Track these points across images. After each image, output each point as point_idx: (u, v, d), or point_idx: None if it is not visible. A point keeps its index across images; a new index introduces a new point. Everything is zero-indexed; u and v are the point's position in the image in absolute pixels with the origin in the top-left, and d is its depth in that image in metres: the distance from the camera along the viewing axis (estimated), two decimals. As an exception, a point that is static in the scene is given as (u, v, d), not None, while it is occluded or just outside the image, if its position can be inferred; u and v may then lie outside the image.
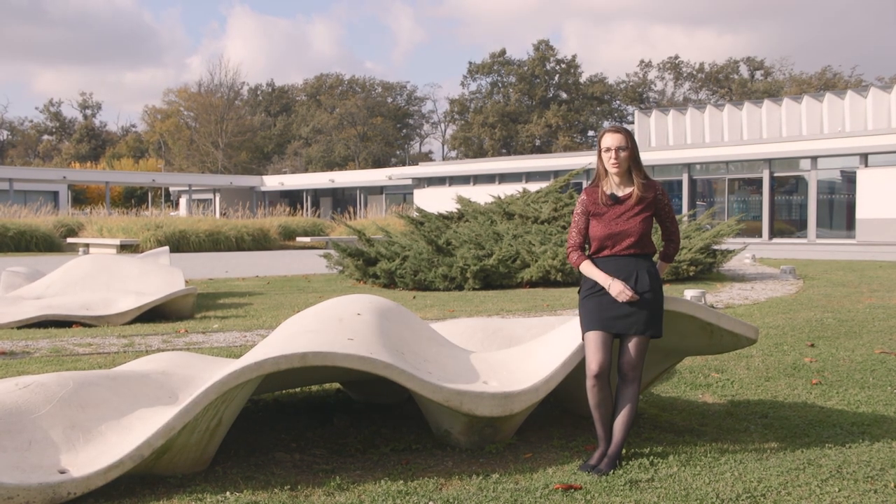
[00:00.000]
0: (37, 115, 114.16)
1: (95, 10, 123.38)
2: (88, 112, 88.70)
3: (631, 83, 76.27)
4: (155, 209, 51.91)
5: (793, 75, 68.35)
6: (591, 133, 74.64)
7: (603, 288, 3.94)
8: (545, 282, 13.55)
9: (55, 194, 50.50)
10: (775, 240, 31.52)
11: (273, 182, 57.91)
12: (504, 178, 40.13)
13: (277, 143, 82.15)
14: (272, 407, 5.15)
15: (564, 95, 75.70)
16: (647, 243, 4.00)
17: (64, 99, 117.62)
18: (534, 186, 19.25)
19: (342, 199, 54.78)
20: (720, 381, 5.87)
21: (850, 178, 30.46)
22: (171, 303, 9.66)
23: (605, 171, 4.06)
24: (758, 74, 72.65)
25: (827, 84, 61.45)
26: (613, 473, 3.73)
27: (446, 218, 16.59)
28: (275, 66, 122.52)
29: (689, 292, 10.34)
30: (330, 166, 72.28)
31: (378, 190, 51.99)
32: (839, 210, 31.25)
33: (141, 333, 8.21)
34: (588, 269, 4.02)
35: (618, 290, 3.87)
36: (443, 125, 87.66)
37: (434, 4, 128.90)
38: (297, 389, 5.55)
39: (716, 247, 15.26)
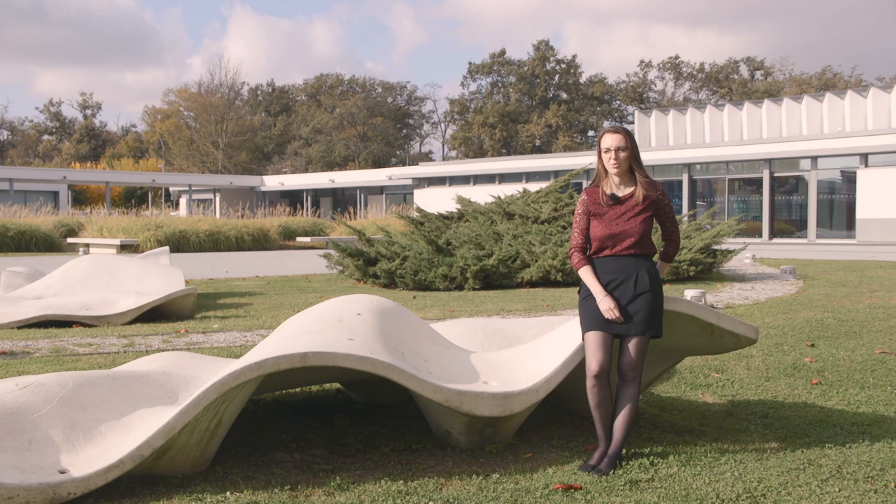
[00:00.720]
0: (37, 115, 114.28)
1: (97, 11, 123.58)
2: (88, 112, 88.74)
3: (631, 83, 76.27)
4: (155, 209, 51.94)
5: (793, 75, 68.34)
6: (591, 133, 74.66)
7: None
8: (545, 282, 13.55)
9: (55, 194, 50.50)
10: (775, 240, 31.53)
11: (273, 182, 57.91)
12: (504, 178, 40.13)
13: (277, 143, 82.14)
14: (272, 407, 5.15)
15: (564, 95, 75.71)
16: (648, 243, 4.00)
17: (64, 99, 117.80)
18: (534, 186, 19.26)
19: (342, 199, 54.80)
20: (720, 381, 5.87)
21: (850, 178, 30.47)
22: (172, 303, 9.66)
23: (606, 171, 4.06)
24: (758, 74, 72.65)
25: (827, 84, 61.45)
26: (613, 473, 3.73)
27: (446, 218, 16.59)
28: (276, 66, 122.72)
29: (689, 292, 10.34)
30: (330, 166, 72.30)
31: (378, 190, 52.00)
32: (839, 210, 31.25)
33: (141, 333, 8.21)
34: (586, 276, 4.03)
35: (606, 307, 3.88)
36: (443, 125, 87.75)
37: (435, 5, 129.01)
38: (297, 389, 5.55)
39: (716, 247, 15.26)
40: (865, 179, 29.50)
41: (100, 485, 3.34)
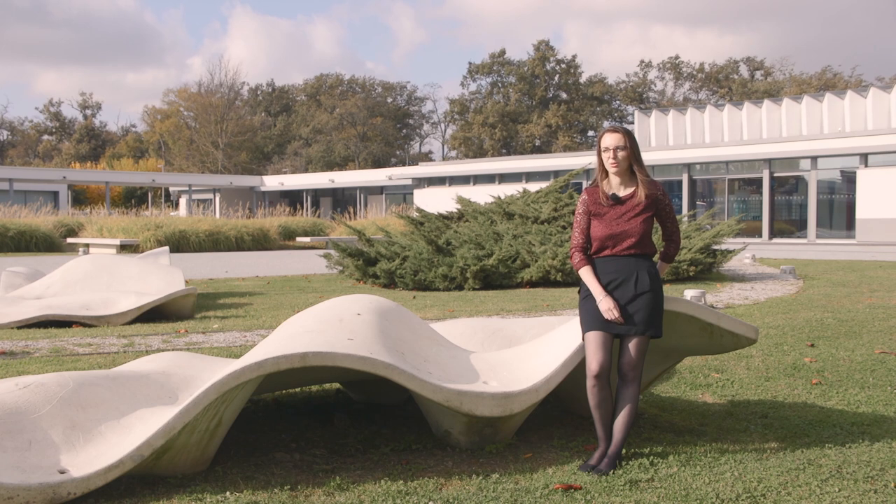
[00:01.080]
0: (37, 115, 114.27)
1: (97, 11, 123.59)
2: (88, 112, 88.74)
3: (631, 83, 76.26)
4: (155, 209, 51.94)
5: (793, 75, 68.31)
6: (591, 133, 74.66)
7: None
8: (545, 282, 13.55)
9: (55, 194, 50.48)
10: (775, 240, 31.53)
11: (273, 182, 57.91)
12: (504, 178, 40.13)
13: (277, 143, 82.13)
14: (272, 407, 5.15)
15: (564, 95, 75.70)
16: (648, 244, 4.00)
17: (64, 99, 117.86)
18: (534, 186, 19.26)
19: (342, 199, 54.80)
20: (720, 381, 5.87)
21: (850, 178, 30.47)
22: (172, 303, 9.66)
23: (606, 171, 4.06)
24: (758, 74, 72.63)
25: (827, 84, 61.43)
26: (613, 473, 3.73)
27: (446, 218, 16.59)
28: (276, 66, 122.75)
29: (689, 292, 10.34)
30: (330, 166, 72.29)
31: (378, 190, 52.00)
32: (839, 210, 31.25)
33: (141, 333, 8.21)
34: (586, 276, 4.03)
35: (605, 307, 3.88)
36: (443, 125, 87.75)
37: (435, 5, 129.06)
38: (297, 389, 5.55)
39: (716, 247, 15.26)
40: (865, 179, 29.50)
41: (100, 485, 3.34)
